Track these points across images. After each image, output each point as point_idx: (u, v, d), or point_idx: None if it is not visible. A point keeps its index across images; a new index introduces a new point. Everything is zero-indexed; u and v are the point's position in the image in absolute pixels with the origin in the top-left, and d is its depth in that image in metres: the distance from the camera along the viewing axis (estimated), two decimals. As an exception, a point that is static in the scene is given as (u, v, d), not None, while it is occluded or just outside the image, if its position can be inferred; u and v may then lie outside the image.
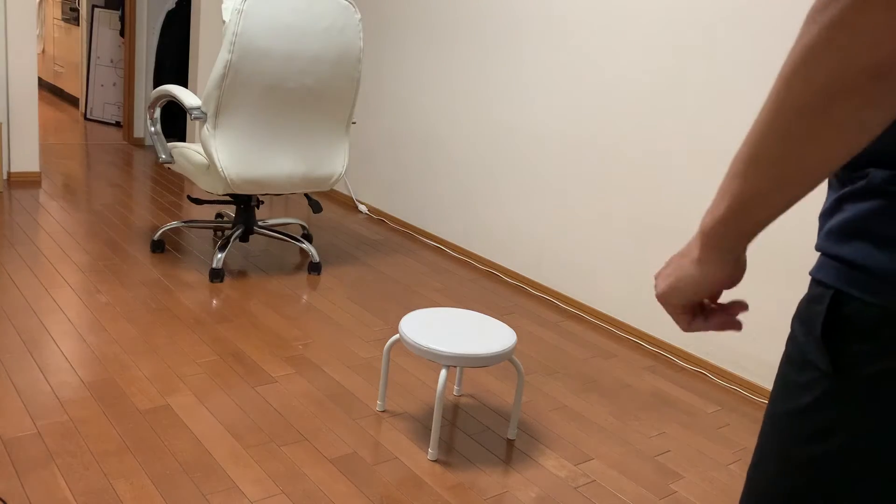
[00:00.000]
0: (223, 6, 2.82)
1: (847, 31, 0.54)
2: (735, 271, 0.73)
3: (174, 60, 5.18)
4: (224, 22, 2.79)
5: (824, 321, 0.66)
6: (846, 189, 0.67)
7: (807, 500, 0.69)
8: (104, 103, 5.88)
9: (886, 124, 0.57)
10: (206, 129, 2.88)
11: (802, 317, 0.69)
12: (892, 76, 0.54)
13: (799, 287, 2.46)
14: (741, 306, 0.79)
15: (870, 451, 0.64)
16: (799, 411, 0.69)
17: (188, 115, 3.15)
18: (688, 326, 0.80)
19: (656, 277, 0.81)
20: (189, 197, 3.42)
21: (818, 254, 0.78)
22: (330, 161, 3.17)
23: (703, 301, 0.78)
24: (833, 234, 0.67)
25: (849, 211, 0.66)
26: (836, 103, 0.56)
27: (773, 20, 2.46)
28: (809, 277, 0.71)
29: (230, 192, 2.99)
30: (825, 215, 0.69)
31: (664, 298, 0.78)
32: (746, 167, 0.63)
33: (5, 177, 3.96)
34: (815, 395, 0.68)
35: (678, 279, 0.75)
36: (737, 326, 0.81)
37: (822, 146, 0.59)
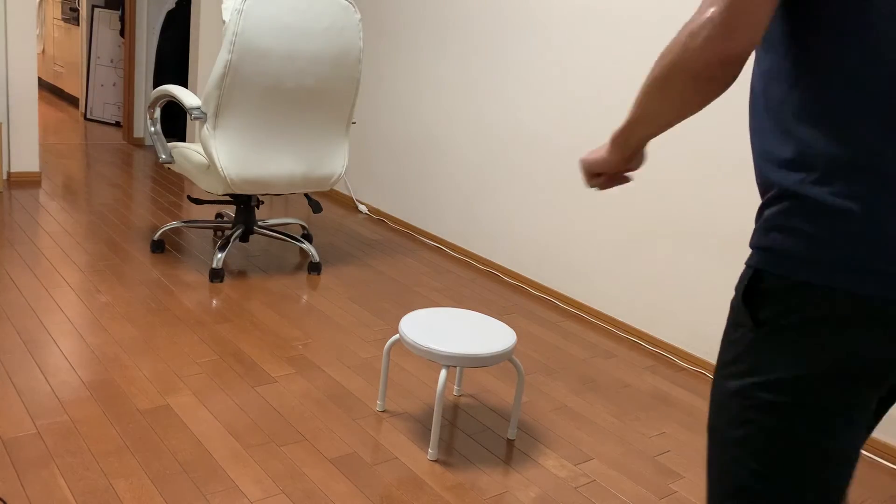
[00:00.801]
0: (223, 6, 2.82)
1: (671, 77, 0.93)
2: (633, 160, 1.12)
3: (174, 60, 5.19)
4: (224, 22, 2.79)
5: (745, 291, 0.93)
6: (763, 201, 0.94)
7: (743, 420, 0.94)
8: (104, 103, 5.88)
9: (700, 106, 0.93)
10: (206, 129, 2.88)
11: (736, 292, 0.96)
12: (701, 85, 0.90)
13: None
14: (626, 179, 1.20)
15: (781, 379, 0.91)
16: (734, 358, 0.95)
17: (188, 115, 3.15)
18: (588, 184, 1.22)
19: (583, 157, 1.21)
20: (189, 197, 3.42)
21: (745, 232, 1.27)
22: (330, 161, 3.17)
23: (608, 174, 1.19)
24: (757, 232, 0.94)
25: (766, 215, 0.93)
26: (671, 86, 0.93)
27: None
28: (747, 256, 1.02)
29: (230, 192, 2.99)
30: (756, 223, 0.96)
31: (584, 166, 1.19)
32: (637, 103, 1.00)
33: (5, 177, 3.96)
34: (745, 344, 0.94)
35: (595, 159, 1.16)
36: (621, 181, 1.21)
37: (663, 104, 0.96)
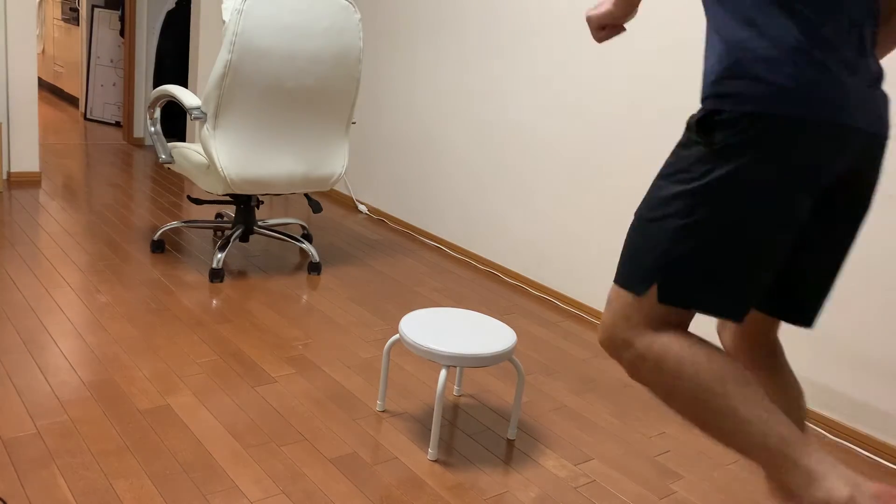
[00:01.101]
0: (223, 6, 2.82)
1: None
2: (632, 12, 1.44)
3: (174, 60, 5.19)
4: (224, 22, 2.79)
5: (699, 120, 1.20)
6: (725, 66, 1.19)
7: (689, 210, 1.19)
8: (104, 103, 5.88)
9: None
10: (206, 129, 2.88)
11: (694, 121, 1.21)
12: None
13: (799, 287, 2.46)
14: (623, 29, 1.51)
15: (726, 181, 1.16)
16: (687, 166, 1.20)
17: (188, 115, 3.15)
18: (596, 37, 1.50)
19: (588, 13, 1.48)
20: (189, 197, 3.42)
21: None
22: (330, 161, 3.17)
23: (607, 25, 1.49)
24: (712, 84, 1.20)
25: (723, 73, 1.19)
26: None
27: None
28: None
29: (230, 192, 2.99)
30: (709, 76, 1.23)
31: (593, 20, 1.48)
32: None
33: (5, 177, 3.96)
34: (697, 155, 1.19)
35: (602, 13, 1.46)
36: (619, 31, 1.52)
37: None
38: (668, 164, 1.25)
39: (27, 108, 3.91)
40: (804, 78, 1.14)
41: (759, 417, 1.16)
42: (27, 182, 4.01)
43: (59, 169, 4.40)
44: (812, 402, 2.47)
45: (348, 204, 4.47)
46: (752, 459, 1.19)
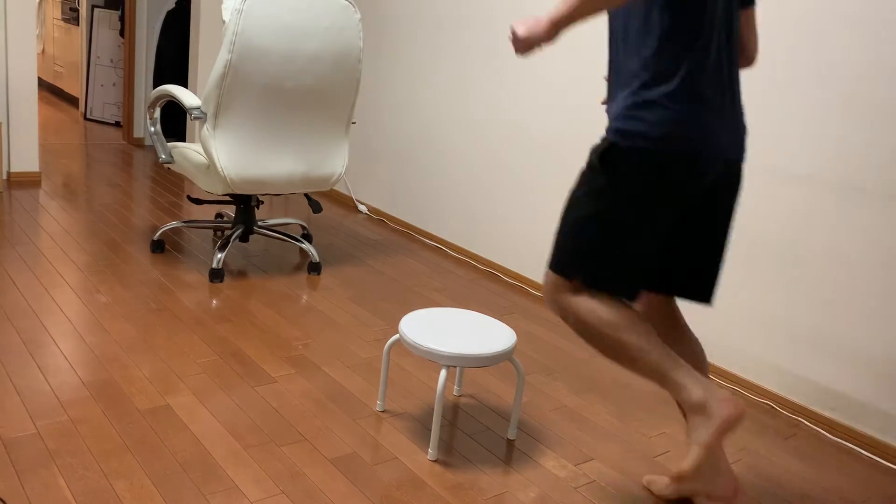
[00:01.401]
0: (223, 6, 2.82)
1: None
2: (554, 34, 1.58)
3: (174, 60, 5.19)
4: (224, 22, 2.79)
5: (602, 153, 1.65)
6: (624, 105, 1.65)
7: (593, 214, 1.69)
8: (104, 103, 5.88)
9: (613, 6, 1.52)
10: (206, 129, 2.88)
11: (597, 154, 1.67)
12: None
13: (798, 288, 2.46)
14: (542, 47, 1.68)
15: (617, 197, 1.65)
16: (596, 189, 1.67)
17: (188, 115, 3.15)
18: (521, 54, 1.63)
19: (515, 27, 1.61)
20: (189, 197, 3.43)
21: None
22: (330, 161, 3.17)
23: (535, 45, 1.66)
24: (614, 120, 1.65)
25: (622, 112, 1.65)
26: None
27: (773, 21, 2.46)
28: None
29: (230, 192, 2.99)
30: (614, 120, 1.67)
31: (525, 42, 1.61)
32: (576, 3, 1.52)
33: (5, 177, 3.96)
34: (597, 177, 1.67)
35: (535, 36, 1.59)
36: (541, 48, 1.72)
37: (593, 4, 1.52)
38: (577, 182, 1.73)
39: (27, 108, 3.90)
40: (681, 122, 1.61)
41: (650, 351, 1.68)
42: (27, 182, 4.01)
43: (59, 169, 4.40)
44: (812, 402, 2.48)
45: (348, 204, 4.47)
46: (650, 380, 1.72)
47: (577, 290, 1.72)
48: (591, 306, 1.70)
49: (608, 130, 1.66)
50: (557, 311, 1.77)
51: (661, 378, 1.69)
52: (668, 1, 1.59)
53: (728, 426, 1.63)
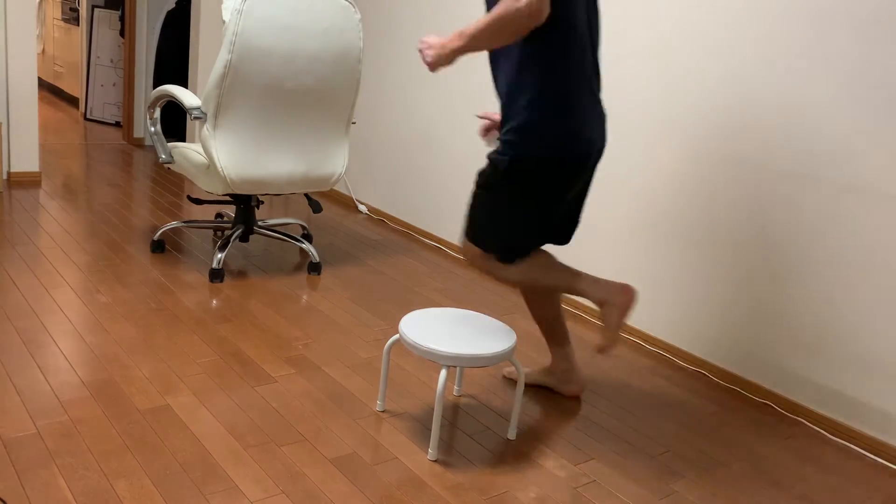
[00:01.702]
0: (223, 6, 2.82)
1: (511, 18, 1.81)
2: (454, 60, 1.96)
3: (174, 60, 5.19)
4: (224, 22, 2.79)
5: (509, 162, 2.01)
6: (513, 125, 2.00)
7: (501, 209, 2.11)
8: (104, 103, 5.88)
9: (518, 36, 1.85)
10: (206, 129, 2.88)
11: (494, 162, 2.04)
12: (522, 27, 1.82)
13: (797, 288, 2.46)
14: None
15: (511, 191, 2.06)
16: (490, 180, 2.06)
17: (188, 115, 3.15)
18: (433, 69, 2.00)
19: (424, 51, 2.01)
20: (189, 197, 3.43)
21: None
22: (330, 161, 3.17)
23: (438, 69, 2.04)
24: (506, 133, 2.02)
25: (515, 128, 2.00)
26: (505, 29, 1.83)
27: (773, 22, 2.46)
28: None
29: (230, 192, 2.99)
30: (507, 135, 2.03)
31: (437, 61, 1.98)
32: (471, 37, 1.88)
33: (5, 177, 3.96)
34: (495, 175, 2.04)
35: (441, 60, 1.97)
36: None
37: (495, 40, 1.87)
38: (479, 178, 2.09)
39: (27, 108, 3.90)
40: (563, 131, 1.98)
41: (557, 277, 2.16)
42: (27, 182, 4.01)
43: (59, 169, 4.40)
44: (812, 402, 2.47)
45: (348, 204, 4.47)
46: (562, 291, 2.19)
47: (493, 258, 2.17)
48: (508, 269, 2.16)
49: (504, 143, 2.02)
50: (479, 270, 2.22)
51: (568, 289, 2.16)
52: (536, 31, 1.90)
53: (627, 308, 2.11)
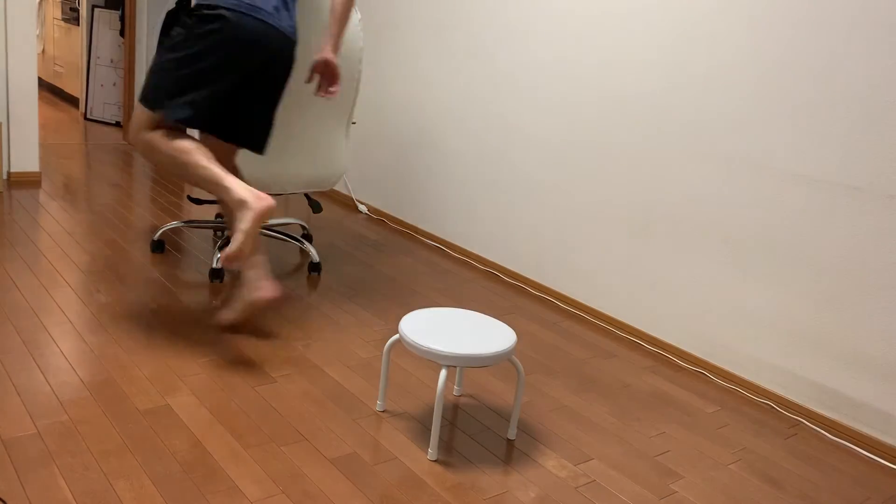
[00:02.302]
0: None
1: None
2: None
3: (174, 60, 5.17)
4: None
5: (190, 10, 2.30)
6: None
7: (186, 60, 2.32)
8: (104, 103, 5.88)
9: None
10: (206, 129, 2.88)
11: (185, 15, 2.32)
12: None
13: (796, 287, 2.46)
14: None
15: (188, 44, 2.30)
16: (172, 38, 2.32)
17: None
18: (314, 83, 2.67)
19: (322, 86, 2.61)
20: (189, 197, 3.42)
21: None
22: (330, 161, 3.17)
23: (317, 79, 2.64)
24: None
25: None
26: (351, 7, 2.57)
27: (773, 23, 2.46)
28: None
29: (230, 192, 2.98)
30: None
31: (332, 70, 2.58)
32: (343, 23, 2.57)
33: (5, 177, 3.96)
34: (179, 31, 2.31)
35: (332, 64, 2.56)
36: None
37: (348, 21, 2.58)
38: (162, 39, 2.34)
39: (27, 108, 3.90)
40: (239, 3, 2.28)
41: (206, 167, 2.28)
42: (27, 182, 4.00)
43: (59, 169, 4.40)
44: (812, 402, 2.47)
45: (348, 204, 4.47)
46: (207, 189, 2.30)
47: (155, 126, 2.34)
48: (164, 138, 2.33)
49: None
50: (137, 144, 2.37)
51: (215, 186, 2.27)
52: None
53: (262, 215, 2.21)
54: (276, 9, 2.37)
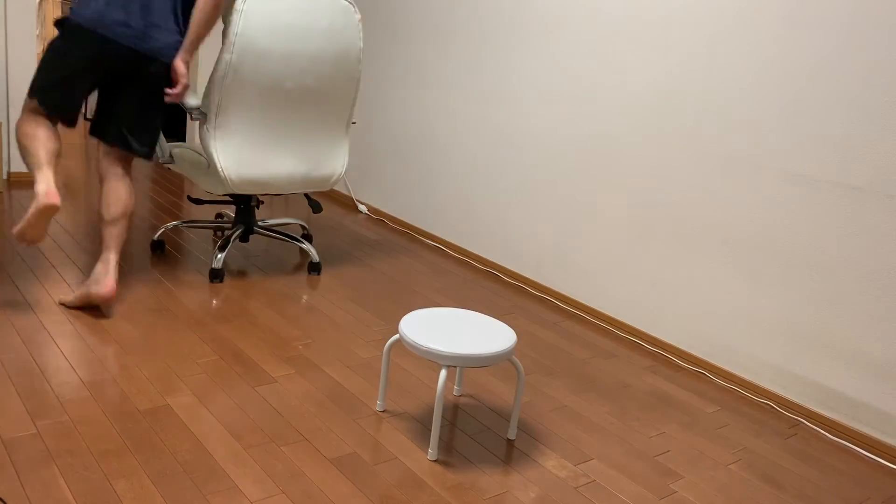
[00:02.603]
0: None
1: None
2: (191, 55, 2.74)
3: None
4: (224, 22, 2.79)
5: (59, 21, 2.60)
6: None
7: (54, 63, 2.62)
8: (104, 103, 5.86)
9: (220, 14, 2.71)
10: (206, 130, 2.88)
11: (57, 21, 2.63)
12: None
13: (798, 288, 2.46)
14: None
15: (55, 45, 2.60)
16: (56, 43, 2.62)
17: (188, 115, 3.14)
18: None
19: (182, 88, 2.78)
20: (189, 197, 3.43)
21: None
22: (330, 161, 3.17)
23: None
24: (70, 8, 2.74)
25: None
26: (215, 15, 2.69)
27: (773, 22, 2.46)
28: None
29: (230, 192, 2.99)
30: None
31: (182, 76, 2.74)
32: (202, 30, 2.68)
33: (5, 177, 3.96)
34: (56, 36, 2.64)
35: (183, 69, 2.74)
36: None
37: (209, 27, 2.71)
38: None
39: (27, 108, 3.90)
40: (89, 9, 2.52)
41: (32, 154, 2.52)
42: (27, 182, 4.00)
43: (59, 169, 4.40)
44: (812, 402, 2.48)
45: (348, 204, 4.47)
46: (29, 166, 2.54)
47: (31, 112, 2.58)
48: (25, 122, 2.57)
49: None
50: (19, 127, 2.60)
51: (32, 171, 2.50)
52: None
53: (42, 211, 2.41)
54: (130, 24, 2.58)
